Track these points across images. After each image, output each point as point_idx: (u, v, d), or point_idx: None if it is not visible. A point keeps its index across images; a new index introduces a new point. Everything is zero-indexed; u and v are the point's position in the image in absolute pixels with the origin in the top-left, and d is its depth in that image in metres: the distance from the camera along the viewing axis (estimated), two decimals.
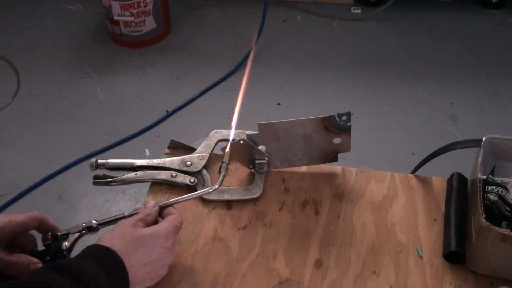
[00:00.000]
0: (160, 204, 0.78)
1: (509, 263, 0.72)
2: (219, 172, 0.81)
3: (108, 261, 0.66)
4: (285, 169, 0.92)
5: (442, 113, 2.15)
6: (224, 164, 0.81)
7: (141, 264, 0.69)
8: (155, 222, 0.75)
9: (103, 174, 0.89)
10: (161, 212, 0.78)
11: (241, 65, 2.38)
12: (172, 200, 0.79)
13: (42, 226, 0.76)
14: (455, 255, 0.77)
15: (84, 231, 0.77)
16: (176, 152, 0.95)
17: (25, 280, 0.59)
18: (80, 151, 2.00)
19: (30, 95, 2.29)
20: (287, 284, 0.76)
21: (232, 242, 0.82)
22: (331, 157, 0.91)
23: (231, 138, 0.84)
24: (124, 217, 0.76)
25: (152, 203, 0.77)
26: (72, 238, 0.76)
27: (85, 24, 2.68)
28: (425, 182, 0.90)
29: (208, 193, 0.82)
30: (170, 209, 0.78)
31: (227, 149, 0.82)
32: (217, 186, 0.80)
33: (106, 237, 0.70)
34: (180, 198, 0.79)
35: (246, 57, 2.40)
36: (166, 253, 0.72)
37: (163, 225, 0.73)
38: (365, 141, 2.01)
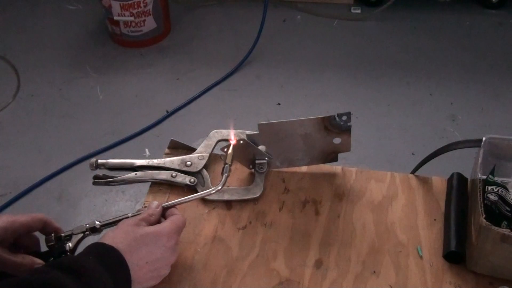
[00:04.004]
0: (163, 205, 0.78)
1: (509, 263, 0.72)
2: (222, 173, 0.81)
3: (111, 259, 0.66)
4: (285, 169, 0.92)
5: (442, 113, 2.15)
6: (226, 166, 0.81)
7: (144, 263, 0.69)
8: (158, 222, 0.75)
9: (103, 174, 0.89)
10: (164, 213, 0.78)
11: (241, 65, 2.39)
12: (175, 201, 0.79)
13: (46, 228, 0.76)
14: (455, 255, 0.77)
15: (87, 232, 0.77)
16: (176, 152, 0.95)
17: (28, 277, 0.59)
18: (80, 151, 2.00)
19: (30, 95, 2.29)
20: (287, 284, 0.76)
21: (232, 242, 0.82)
22: (331, 157, 0.91)
23: (233, 141, 0.84)
24: (127, 218, 0.76)
25: (155, 204, 0.77)
26: (75, 239, 0.76)
27: (85, 24, 2.68)
28: (425, 182, 0.90)
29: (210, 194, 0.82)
30: (173, 210, 0.78)
31: (230, 151, 0.82)
32: (220, 187, 0.80)
33: (109, 235, 0.70)
34: (183, 199, 0.79)
35: (246, 57, 2.40)
36: (168, 252, 0.72)
37: (166, 225, 0.73)
38: (365, 141, 2.01)
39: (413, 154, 1.95)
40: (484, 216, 0.69)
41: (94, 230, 0.77)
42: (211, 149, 0.92)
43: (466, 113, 2.15)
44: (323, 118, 0.84)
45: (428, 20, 2.64)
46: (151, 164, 0.90)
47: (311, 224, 0.84)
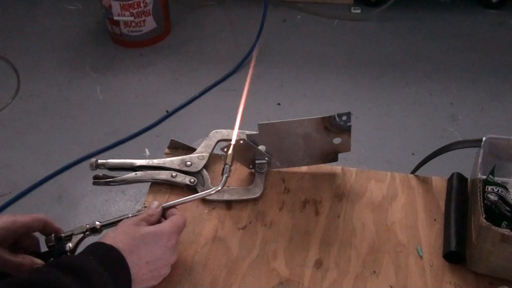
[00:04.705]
0: (164, 205, 0.78)
1: (509, 263, 0.72)
2: (222, 173, 0.81)
3: (111, 258, 0.66)
4: (285, 169, 0.92)
5: (442, 113, 2.15)
6: (227, 166, 0.81)
7: (144, 262, 0.69)
8: (158, 223, 0.75)
9: (103, 174, 0.89)
10: (164, 213, 0.78)
11: (241, 65, 2.39)
12: (175, 201, 0.79)
13: (46, 228, 0.76)
14: (455, 255, 0.77)
15: (87, 233, 0.77)
16: (176, 152, 0.95)
17: (27, 277, 0.59)
18: (80, 151, 2.00)
19: (30, 95, 2.29)
20: (287, 284, 0.76)
21: (232, 242, 0.82)
22: (331, 157, 0.91)
23: (233, 141, 0.84)
24: (127, 218, 0.76)
25: (155, 204, 0.77)
26: (75, 239, 0.76)
27: (85, 24, 2.68)
28: (425, 182, 0.90)
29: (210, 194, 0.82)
30: (173, 210, 0.78)
31: (230, 151, 0.82)
32: (220, 188, 0.80)
33: (109, 235, 0.70)
34: (183, 200, 0.79)
35: (246, 57, 2.40)
36: (168, 252, 0.72)
37: (166, 224, 0.73)
38: (365, 141, 2.01)
39: (413, 154, 1.95)
40: (484, 216, 0.69)
41: (94, 230, 0.77)
42: (211, 149, 0.92)
43: (466, 113, 2.15)
44: (323, 118, 0.84)
45: (428, 20, 2.64)
46: (151, 164, 0.90)
47: (311, 224, 0.84)
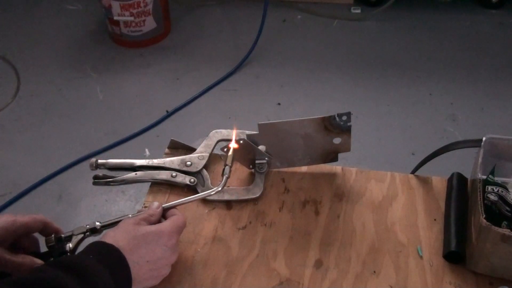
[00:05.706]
0: (164, 205, 0.78)
1: (509, 263, 0.72)
2: (222, 174, 0.81)
3: (111, 257, 0.66)
4: (285, 169, 0.92)
5: (442, 113, 2.15)
6: (227, 167, 0.81)
7: (144, 261, 0.69)
8: (158, 223, 0.75)
9: (103, 174, 0.89)
10: (164, 214, 0.78)
11: (241, 65, 2.39)
12: (175, 202, 0.79)
13: (46, 229, 0.76)
14: (455, 255, 0.77)
15: (87, 233, 0.77)
16: (176, 152, 0.95)
17: (27, 276, 0.59)
18: (80, 151, 2.01)
19: (30, 95, 2.29)
20: (287, 284, 0.76)
21: (232, 242, 0.82)
22: (331, 157, 0.91)
23: (233, 143, 0.83)
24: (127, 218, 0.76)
25: (156, 204, 0.77)
26: (75, 240, 0.76)
27: (85, 24, 2.68)
28: (425, 182, 0.90)
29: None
30: (173, 210, 0.78)
31: (230, 153, 0.82)
32: (220, 188, 0.80)
33: (110, 234, 0.70)
34: (183, 200, 0.79)
35: (246, 57, 2.40)
36: (169, 252, 0.72)
37: (167, 224, 0.74)
38: (365, 141, 2.01)
39: (413, 154, 1.95)
40: (484, 216, 0.69)
41: (94, 231, 0.77)
42: (211, 149, 0.92)
43: (466, 113, 2.15)
44: (323, 118, 0.84)
45: (428, 20, 2.64)
46: (151, 164, 0.90)
47: (311, 224, 0.84)
